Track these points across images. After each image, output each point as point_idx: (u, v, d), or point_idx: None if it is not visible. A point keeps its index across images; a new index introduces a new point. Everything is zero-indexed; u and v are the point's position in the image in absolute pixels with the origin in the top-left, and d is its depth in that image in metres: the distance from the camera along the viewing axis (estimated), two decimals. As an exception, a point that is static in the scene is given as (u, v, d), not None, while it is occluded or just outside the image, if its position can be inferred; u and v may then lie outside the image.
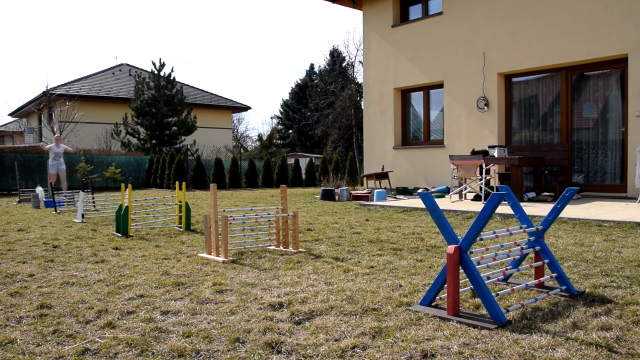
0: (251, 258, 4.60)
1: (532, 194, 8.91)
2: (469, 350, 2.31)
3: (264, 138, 30.32)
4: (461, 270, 2.81)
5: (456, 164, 9.23)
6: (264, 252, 4.91)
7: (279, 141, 36.30)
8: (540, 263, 3.32)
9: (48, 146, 13.25)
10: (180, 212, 6.70)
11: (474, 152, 9.79)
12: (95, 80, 26.68)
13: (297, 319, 2.81)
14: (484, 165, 8.86)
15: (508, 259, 3.20)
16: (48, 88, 23.56)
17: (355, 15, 68.17)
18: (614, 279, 3.50)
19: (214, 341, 2.51)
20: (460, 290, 2.85)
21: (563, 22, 9.80)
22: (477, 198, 9.22)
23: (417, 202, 8.81)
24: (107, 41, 71.95)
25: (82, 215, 7.68)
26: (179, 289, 3.50)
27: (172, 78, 21.83)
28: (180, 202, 6.72)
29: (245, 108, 30.44)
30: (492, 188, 9.68)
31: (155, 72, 21.55)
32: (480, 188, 8.95)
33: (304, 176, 18.17)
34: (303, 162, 19.63)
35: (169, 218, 7.33)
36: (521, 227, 3.27)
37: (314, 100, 33.48)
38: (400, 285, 3.46)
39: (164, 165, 16.92)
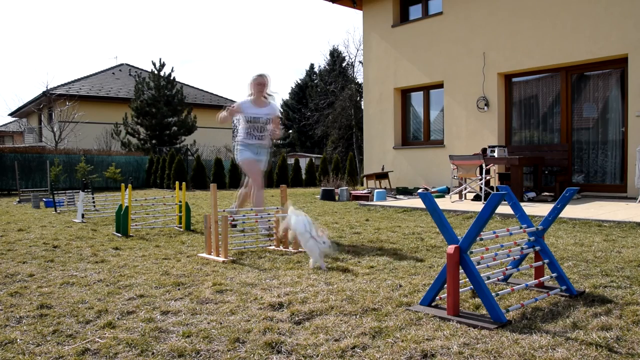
0: (251, 258, 4.60)
1: (532, 194, 8.91)
2: (469, 350, 2.31)
3: (264, 138, 30.28)
4: (461, 270, 2.81)
5: (456, 164, 9.23)
6: (264, 252, 4.91)
7: (279, 141, 36.30)
8: (540, 263, 3.32)
9: (236, 104, 6.18)
10: (180, 212, 6.70)
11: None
12: (95, 80, 26.69)
13: (297, 319, 2.81)
14: (484, 165, 8.86)
15: (508, 259, 3.20)
16: (48, 88, 23.57)
17: (355, 15, 68.20)
18: (614, 279, 3.50)
19: (214, 341, 2.51)
20: (460, 290, 2.84)
21: (563, 22, 9.79)
22: (477, 198, 9.22)
23: (417, 202, 8.81)
24: (107, 41, 72.01)
25: (82, 215, 7.68)
26: (179, 289, 3.50)
27: (172, 78, 21.83)
28: (180, 202, 6.72)
29: (245, 108, 30.42)
30: (492, 188, 9.68)
31: (155, 72, 21.55)
32: (480, 188, 8.95)
33: (304, 176, 18.16)
34: (303, 162, 19.63)
35: (169, 218, 7.33)
36: (521, 227, 3.26)
37: (314, 100, 33.49)
38: (400, 285, 3.46)
39: (164, 165, 16.92)
